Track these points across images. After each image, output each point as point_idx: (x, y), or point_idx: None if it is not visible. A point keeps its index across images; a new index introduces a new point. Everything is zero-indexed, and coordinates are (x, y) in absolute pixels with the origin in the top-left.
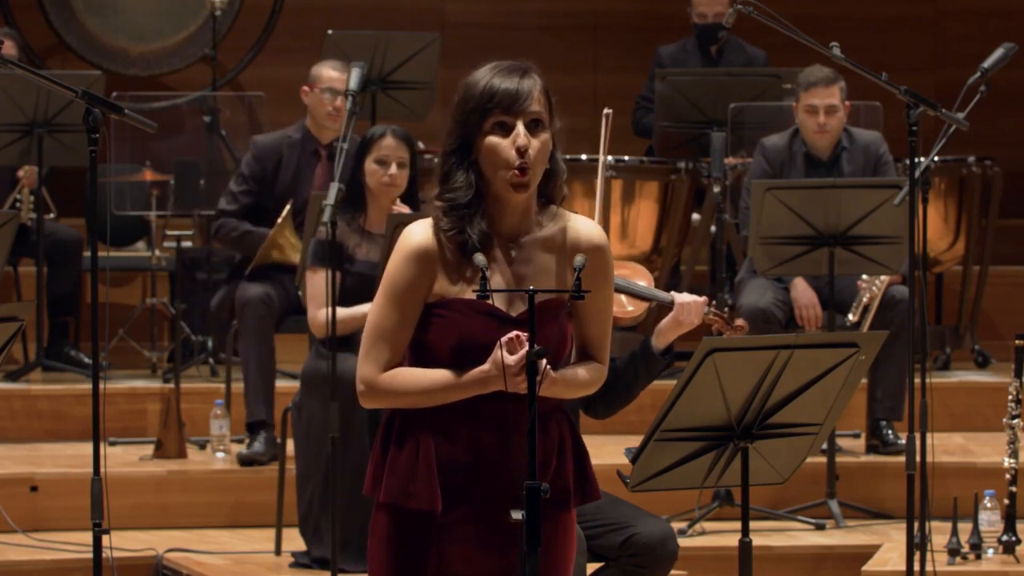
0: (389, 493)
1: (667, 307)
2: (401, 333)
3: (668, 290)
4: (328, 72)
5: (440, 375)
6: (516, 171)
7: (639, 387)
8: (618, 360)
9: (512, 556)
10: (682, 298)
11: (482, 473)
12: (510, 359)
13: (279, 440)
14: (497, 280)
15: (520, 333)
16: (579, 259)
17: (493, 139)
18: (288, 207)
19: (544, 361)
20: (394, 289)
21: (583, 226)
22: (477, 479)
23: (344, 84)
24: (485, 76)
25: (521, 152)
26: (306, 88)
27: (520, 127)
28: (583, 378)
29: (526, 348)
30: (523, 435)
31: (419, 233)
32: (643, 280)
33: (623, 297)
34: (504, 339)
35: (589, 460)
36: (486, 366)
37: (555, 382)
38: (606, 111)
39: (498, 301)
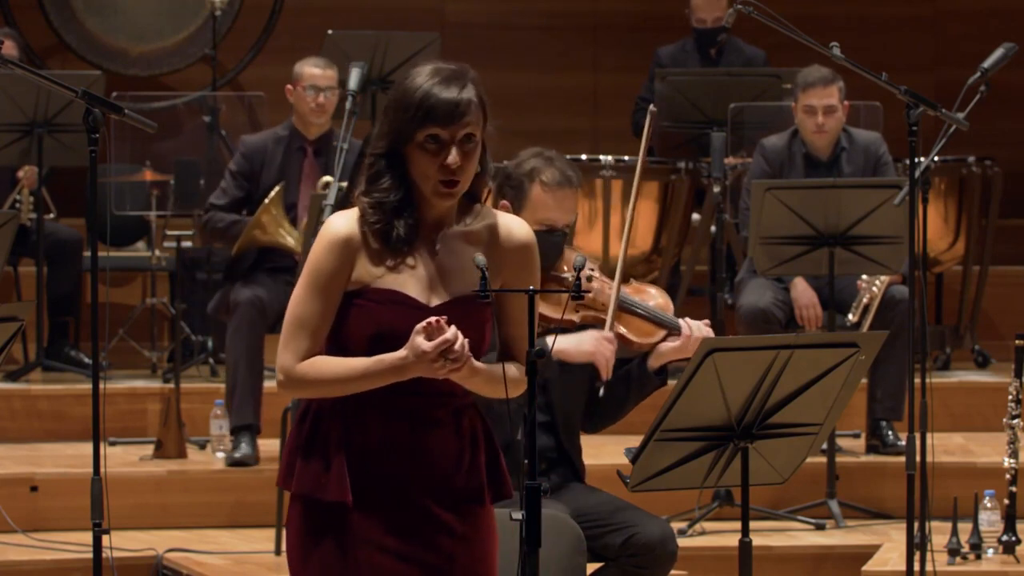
0: (300, 485)
1: (674, 331)
2: (321, 322)
3: (668, 291)
4: (309, 69)
5: (357, 363)
6: (443, 187)
7: (630, 405)
8: (610, 377)
9: (430, 543)
10: (694, 331)
11: (394, 465)
12: (427, 345)
13: (279, 439)
14: (419, 271)
15: (438, 318)
16: (579, 259)
17: (424, 155)
18: (279, 187)
19: (465, 344)
20: (315, 278)
21: (514, 223)
22: (389, 471)
23: (326, 80)
24: (424, 83)
25: (450, 171)
26: (289, 87)
27: (453, 148)
28: (509, 375)
29: (445, 335)
30: (436, 428)
31: (342, 222)
32: (664, 304)
33: (640, 324)
34: (421, 325)
35: (502, 457)
36: (402, 352)
37: (477, 372)
38: (652, 108)
39: (415, 291)
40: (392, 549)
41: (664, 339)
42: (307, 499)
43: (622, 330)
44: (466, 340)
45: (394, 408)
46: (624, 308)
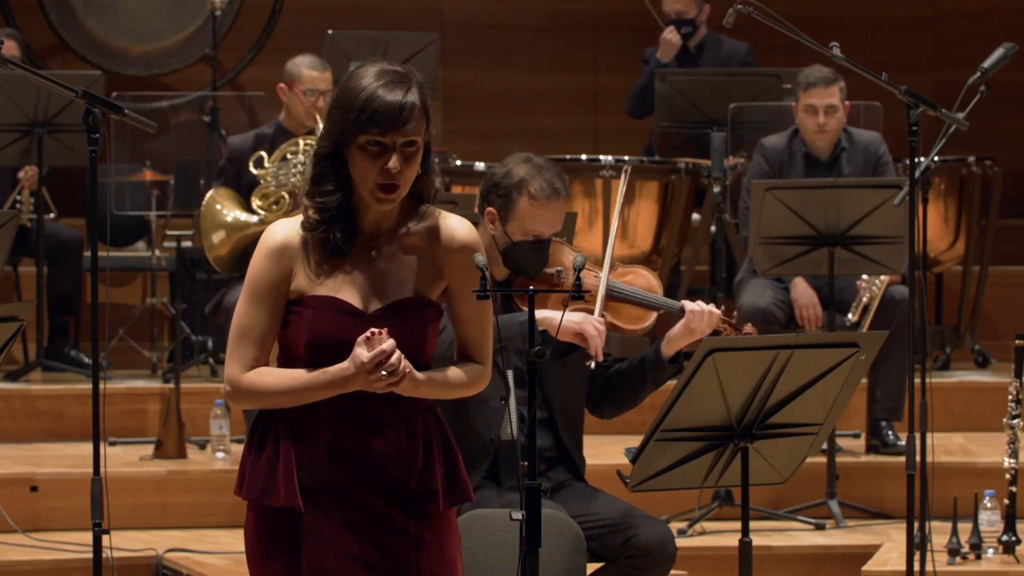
0: (251, 492)
1: (676, 315)
2: (264, 331)
3: (668, 290)
4: (308, 72)
5: (302, 374)
6: (382, 192)
7: (646, 391)
8: (626, 362)
9: (385, 546)
10: (693, 306)
11: (344, 468)
12: (364, 356)
13: None
14: (357, 277)
15: (377, 330)
16: (579, 259)
17: (365, 158)
18: (210, 193)
19: (401, 358)
20: (255, 287)
21: (455, 224)
22: (339, 475)
23: (325, 83)
24: (368, 85)
25: (390, 175)
26: (282, 85)
27: (393, 156)
28: (455, 379)
29: (381, 346)
30: (386, 431)
31: (280, 231)
32: (650, 284)
33: (630, 310)
34: (362, 336)
35: (459, 460)
36: (345, 364)
37: (419, 383)
38: (626, 167)
39: (352, 297)
40: (347, 552)
41: (656, 321)
42: (260, 507)
43: (611, 318)
44: (401, 356)
45: (342, 412)
46: (612, 295)
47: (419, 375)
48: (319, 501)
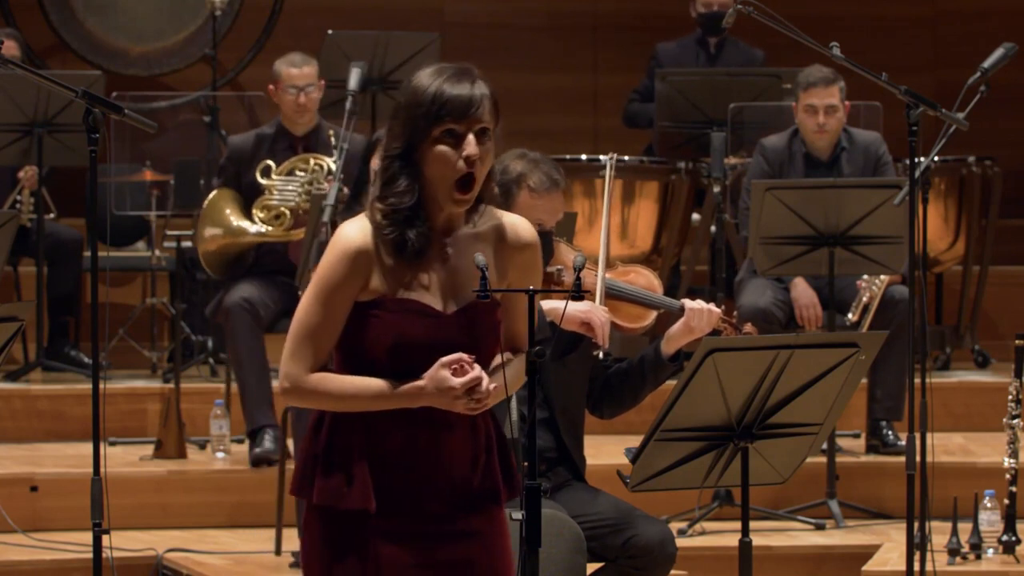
0: (322, 495)
1: (676, 313)
2: (330, 332)
3: (668, 290)
4: (287, 69)
5: (370, 384)
6: (459, 193)
7: (646, 391)
8: (626, 362)
9: (449, 547)
10: (693, 305)
11: (414, 470)
12: (454, 381)
13: (282, 437)
14: (433, 278)
15: (466, 357)
16: (579, 259)
17: (442, 148)
18: (215, 191)
19: (489, 383)
20: (327, 287)
21: (519, 223)
22: (409, 476)
23: (304, 79)
24: (433, 81)
25: (470, 163)
26: (271, 86)
27: (471, 136)
28: (514, 379)
29: (474, 373)
30: (453, 432)
31: (356, 233)
32: (650, 283)
33: (629, 308)
34: (447, 359)
35: (512, 456)
36: (421, 382)
37: (493, 395)
38: (612, 155)
39: (431, 299)
40: (411, 554)
41: (656, 319)
42: (327, 509)
43: (611, 316)
44: (489, 382)
45: (414, 414)
46: (611, 294)
47: (492, 387)
48: (386, 502)
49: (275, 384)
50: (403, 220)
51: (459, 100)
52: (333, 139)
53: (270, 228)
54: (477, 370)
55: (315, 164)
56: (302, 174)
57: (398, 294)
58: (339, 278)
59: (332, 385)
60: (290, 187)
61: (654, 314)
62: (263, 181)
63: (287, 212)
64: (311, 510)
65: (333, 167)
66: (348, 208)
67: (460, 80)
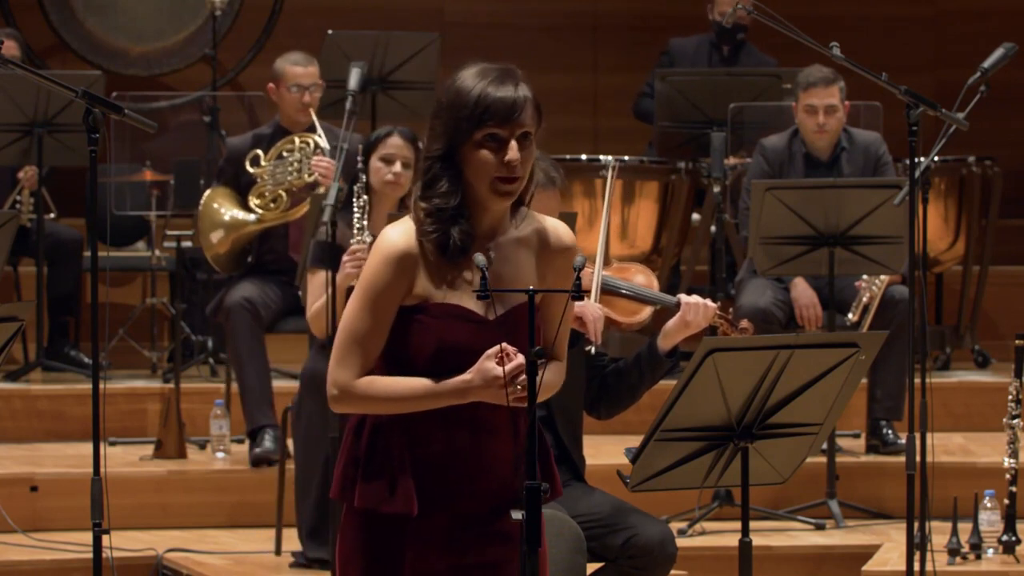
0: (364, 498)
1: (673, 309)
2: (377, 337)
3: (668, 290)
4: (291, 68)
5: (417, 383)
6: (503, 184)
7: (643, 388)
8: (622, 361)
9: (488, 554)
10: (689, 299)
11: (457, 473)
12: (499, 370)
13: (282, 437)
14: (476, 281)
15: (509, 347)
16: (579, 259)
17: (484, 152)
18: (207, 192)
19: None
20: (373, 293)
21: (560, 227)
22: (452, 479)
23: (309, 78)
24: (477, 83)
25: (512, 168)
26: (271, 85)
27: (513, 142)
28: (552, 382)
29: (517, 360)
30: (496, 434)
31: (401, 237)
32: (647, 281)
33: (626, 304)
34: (491, 350)
35: (551, 457)
36: (468, 376)
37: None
38: (613, 163)
39: (475, 304)
40: (448, 556)
41: (652, 316)
42: (368, 512)
43: (607, 311)
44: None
45: (455, 417)
46: (607, 290)
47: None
48: (428, 505)
49: (275, 384)
50: (448, 219)
51: (503, 104)
52: (322, 139)
53: (267, 213)
54: (520, 359)
55: (301, 143)
56: (289, 154)
57: (442, 298)
58: (385, 282)
59: (381, 388)
60: (280, 169)
61: (650, 310)
62: (253, 170)
63: (283, 194)
64: (350, 513)
65: (321, 143)
66: (345, 209)
67: (504, 83)
